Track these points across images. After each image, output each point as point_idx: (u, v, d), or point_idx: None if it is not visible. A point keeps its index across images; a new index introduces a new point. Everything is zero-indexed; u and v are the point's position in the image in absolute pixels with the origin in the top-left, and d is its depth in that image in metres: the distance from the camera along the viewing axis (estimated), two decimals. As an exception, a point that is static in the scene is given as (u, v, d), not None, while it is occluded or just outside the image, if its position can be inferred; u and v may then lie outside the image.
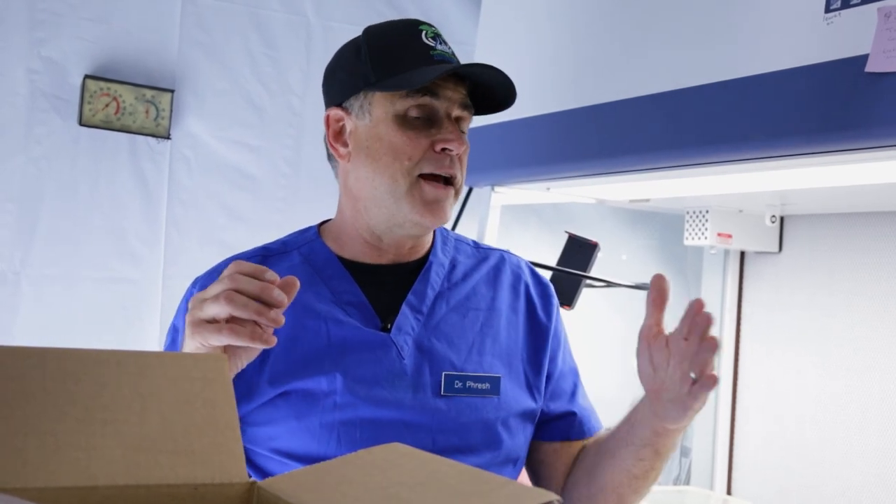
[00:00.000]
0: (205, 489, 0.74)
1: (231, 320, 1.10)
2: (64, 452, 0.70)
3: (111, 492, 0.70)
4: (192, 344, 1.14)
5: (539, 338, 1.48)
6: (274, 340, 1.11)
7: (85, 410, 0.72)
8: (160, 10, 2.48)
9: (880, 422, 2.10)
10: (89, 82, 2.37)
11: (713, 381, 1.18)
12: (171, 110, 2.47)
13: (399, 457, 0.81)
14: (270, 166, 2.61)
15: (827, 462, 2.20)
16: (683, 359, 1.22)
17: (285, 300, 1.11)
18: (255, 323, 1.11)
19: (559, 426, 1.49)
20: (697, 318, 1.21)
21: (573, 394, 1.51)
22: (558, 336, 1.51)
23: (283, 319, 1.12)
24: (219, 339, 1.11)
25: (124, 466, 0.71)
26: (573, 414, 1.49)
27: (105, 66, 2.41)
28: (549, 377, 1.49)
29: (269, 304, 1.10)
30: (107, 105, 2.39)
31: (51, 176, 2.37)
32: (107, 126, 2.40)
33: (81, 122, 2.37)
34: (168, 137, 2.48)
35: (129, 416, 0.74)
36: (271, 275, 1.12)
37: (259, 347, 1.12)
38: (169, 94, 2.46)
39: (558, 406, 1.49)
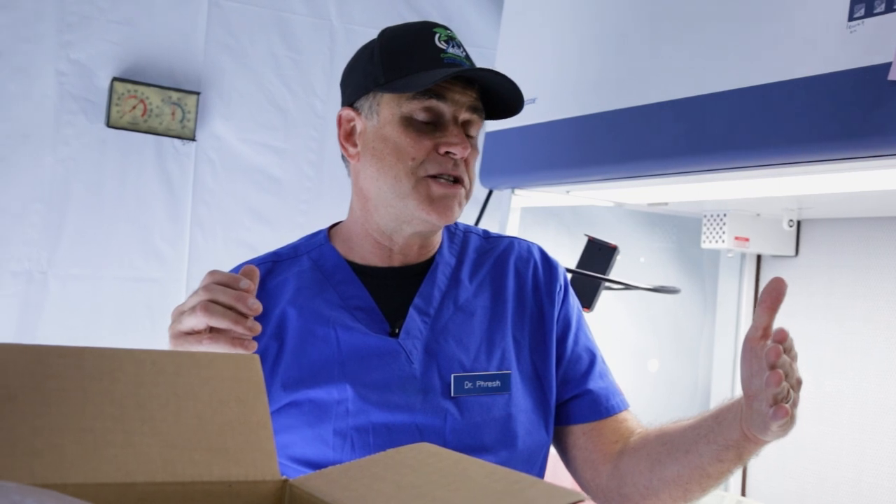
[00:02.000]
0: (238, 486, 0.75)
1: (210, 330, 1.12)
2: (102, 449, 0.71)
3: (148, 488, 0.71)
4: None
5: (545, 324, 1.47)
6: (254, 346, 1.14)
7: (122, 409, 0.73)
8: (186, 13, 2.50)
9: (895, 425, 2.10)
10: (117, 84, 2.39)
11: (781, 414, 1.14)
12: (197, 112, 2.48)
13: (428, 456, 0.82)
14: (294, 168, 2.63)
15: (842, 465, 2.20)
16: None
17: (260, 308, 1.13)
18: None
19: (577, 408, 1.47)
20: (767, 350, 1.16)
21: (587, 374, 1.48)
22: (568, 319, 1.49)
23: (259, 328, 1.14)
24: (200, 350, 1.11)
25: (161, 463, 0.72)
26: (589, 393, 1.46)
27: (132, 68, 2.43)
28: (559, 361, 1.47)
29: (244, 314, 1.13)
30: (134, 107, 2.41)
31: (78, 177, 2.38)
32: (133, 128, 2.42)
33: (109, 124, 2.39)
34: (193, 139, 2.49)
35: (164, 415, 0.75)
36: (245, 283, 1.14)
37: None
38: (195, 97, 2.48)
39: (572, 388, 1.47)
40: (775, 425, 1.17)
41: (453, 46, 1.39)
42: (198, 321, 1.12)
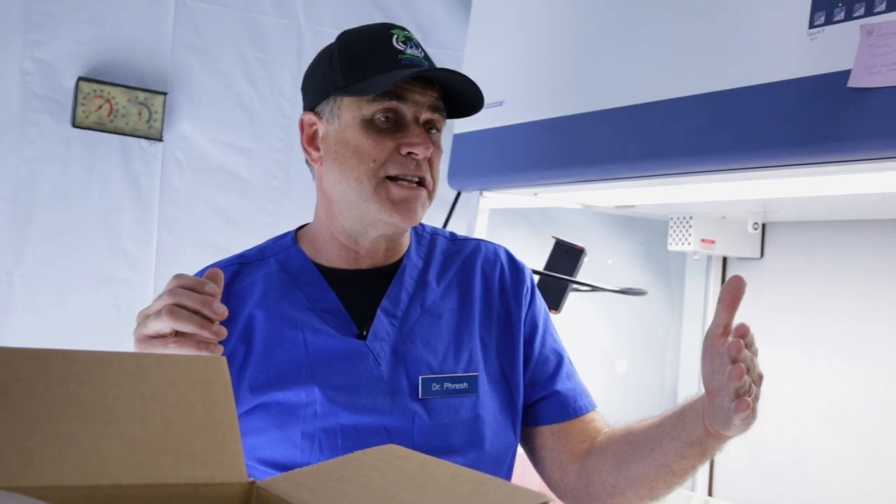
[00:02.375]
0: (205, 489, 0.75)
1: (176, 333, 1.12)
2: (68, 452, 0.71)
3: (114, 491, 0.71)
4: None
5: (512, 326, 1.48)
6: (220, 350, 1.13)
7: (88, 411, 0.73)
8: (154, 13, 2.48)
9: (859, 424, 2.13)
10: (82, 84, 2.37)
11: (743, 407, 1.16)
12: (164, 112, 2.47)
13: (395, 458, 0.82)
14: (261, 169, 2.62)
15: (807, 463, 2.23)
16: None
17: (225, 312, 1.13)
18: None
19: (546, 408, 1.48)
20: (729, 344, 1.18)
21: (554, 375, 1.49)
22: (535, 321, 1.50)
23: (225, 332, 1.14)
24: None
25: (127, 466, 0.72)
26: (557, 394, 1.48)
27: (98, 68, 2.41)
28: (526, 363, 1.48)
29: (210, 318, 1.13)
30: (100, 107, 2.40)
31: (44, 177, 2.36)
32: (100, 128, 2.40)
33: (74, 124, 2.37)
34: (160, 139, 2.48)
35: (131, 417, 0.75)
36: (210, 287, 1.14)
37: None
38: (161, 97, 2.46)
39: (540, 390, 1.48)
40: (737, 419, 1.19)
41: (411, 47, 1.39)
42: (163, 325, 1.12)
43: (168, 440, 0.76)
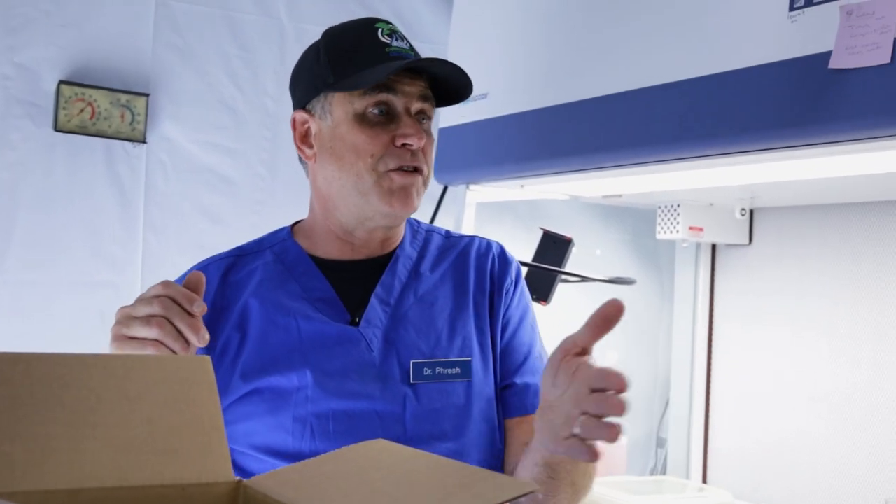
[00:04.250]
0: (192, 489, 0.76)
1: (155, 341, 1.14)
2: (52, 456, 0.71)
3: (99, 493, 0.71)
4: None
5: (494, 314, 1.50)
6: None
7: (72, 414, 0.74)
8: (134, 14, 2.46)
9: (847, 407, 2.14)
10: (64, 88, 2.35)
11: (592, 456, 1.02)
12: (147, 114, 2.45)
13: (382, 453, 0.83)
14: (247, 168, 2.61)
15: (797, 447, 2.24)
16: (579, 402, 1.03)
17: (208, 339, 1.16)
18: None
19: (502, 399, 1.47)
20: (611, 378, 1.01)
21: (520, 367, 1.48)
22: (513, 312, 1.51)
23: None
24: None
25: (112, 468, 0.73)
26: (513, 386, 1.46)
27: (79, 71, 2.39)
28: (496, 350, 1.48)
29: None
30: (82, 110, 2.38)
31: (27, 182, 2.34)
32: (82, 131, 2.38)
33: (57, 128, 2.35)
34: (144, 141, 2.46)
35: (115, 419, 0.75)
36: (199, 307, 1.15)
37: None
38: (144, 99, 2.45)
39: (500, 380, 1.48)
40: (570, 453, 1.06)
41: (397, 39, 1.41)
42: (149, 333, 1.14)
43: (153, 441, 0.76)
